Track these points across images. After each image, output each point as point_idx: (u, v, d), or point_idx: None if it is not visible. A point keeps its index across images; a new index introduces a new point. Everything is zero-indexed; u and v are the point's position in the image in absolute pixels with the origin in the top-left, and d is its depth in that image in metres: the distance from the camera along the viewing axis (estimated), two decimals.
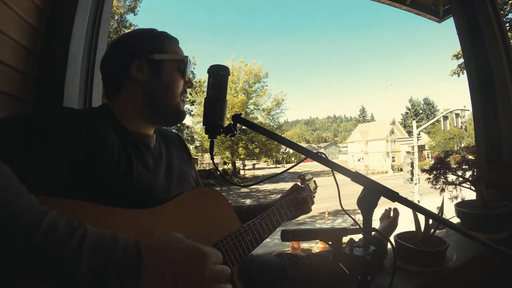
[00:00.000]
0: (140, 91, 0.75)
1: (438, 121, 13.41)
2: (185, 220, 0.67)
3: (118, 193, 0.62)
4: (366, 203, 0.60)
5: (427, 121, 24.45)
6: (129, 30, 0.93)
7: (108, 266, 0.41)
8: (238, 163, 31.99)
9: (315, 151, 0.68)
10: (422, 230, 1.17)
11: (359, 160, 39.98)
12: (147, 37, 0.79)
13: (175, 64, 0.78)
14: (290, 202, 1.01)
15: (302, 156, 0.70)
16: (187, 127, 23.37)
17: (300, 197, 1.04)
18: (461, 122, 11.32)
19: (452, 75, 13.21)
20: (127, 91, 0.76)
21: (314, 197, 1.19)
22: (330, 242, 0.65)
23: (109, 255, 0.41)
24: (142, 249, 0.44)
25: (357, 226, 0.63)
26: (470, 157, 1.59)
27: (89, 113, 0.68)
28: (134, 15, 16.89)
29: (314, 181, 1.24)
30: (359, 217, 0.71)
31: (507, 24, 8.42)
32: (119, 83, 0.76)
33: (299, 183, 1.16)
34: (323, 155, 0.68)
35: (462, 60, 11.62)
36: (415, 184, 11.71)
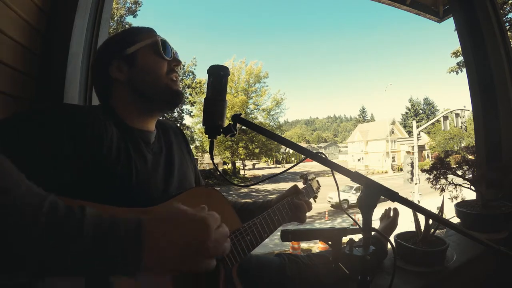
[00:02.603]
0: (126, 88, 0.77)
1: (438, 121, 13.40)
2: None
3: (118, 188, 0.63)
4: (366, 203, 0.60)
5: (427, 121, 24.45)
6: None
7: (110, 235, 0.40)
8: (238, 163, 31.99)
9: (315, 151, 0.68)
10: (422, 230, 1.17)
11: (359, 160, 39.98)
12: (116, 38, 0.82)
13: (149, 49, 0.78)
14: (290, 203, 0.99)
15: (302, 156, 0.70)
16: (187, 127, 23.35)
17: (297, 203, 0.99)
18: (461, 122, 11.32)
19: (450, 72, 13.16)
20: (116, 93, 0.78)
21: (316, 196, 1.18)
22: (330, 242, 0.65)
23: (111, 225, 0.41)
24: (143, 220, 0.44)
25: (357, 226, 0.63)
26: (470, 157, 1.59)
27: (88, 108, 0.69)
28: (134, 17, 16.90)
29: (317, 180, 1.22)
30: (359, 217, 0.71)
31: (507, 24, 8.42)
32: (107, 89, 0.79)
33: (301, 183, 1.14)
34: (323, 155, 0.68)
35: (461, 58, 11.59)
36: (415, 184, 11.71)
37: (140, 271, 0.42)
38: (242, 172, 31.20)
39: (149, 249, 0.42)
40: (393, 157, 33.75)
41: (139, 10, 16.93)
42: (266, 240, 0.88)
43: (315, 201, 1.14)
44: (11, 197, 0.36)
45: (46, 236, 0.37)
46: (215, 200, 0.77)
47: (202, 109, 0.76)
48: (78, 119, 0.60)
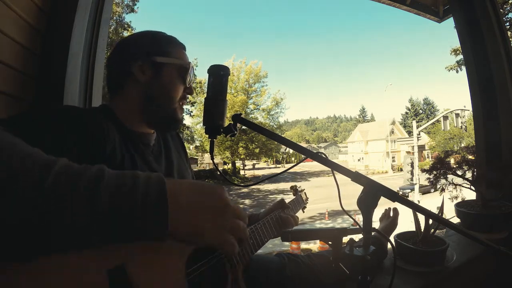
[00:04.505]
0: (140, 91, 0.77)
1: (438, 121, 13.40)
2: None
3: None
4: (366, 203, 0.60)
5: (427, 121, 24.44)
6: (139, 31, 0.96)
7: (132, 189, 0.38)
8: (238, 163, 32.01)
9: (315, 151, 0.68)
10: (422, 230, 1.17)
11: (359, 160, 39.99)
12: (152, 39, 0.81)
13: (177, 69, 0.79)
14: (278, 217, 0.99)
15: (302, 156, 0.70)
16: (187, 127, 23.37)
17: (284, 217, 1.00)
18: (461, 122, 11.33)
19: (449, 70, 13.12)
20: (128, 91, 0.77)
21: (305, 207, 1.24)
22: (330, 242, 0.65)
23: (132, 179, 0.39)
24: (165, 179, 0.42)
25: (357, 226, 0.63)
26: (470, 157, 1.58)
27: (91, 111, 0.69)
28: (135, 13, 16.75)
29: (305, 193, 1.31)
30: (359, 217, 0.71)
31: (507, 24, 8.41)
32: (121, 82, 0.78)
33: (292, 194, 1.22)
34: (323, 155, 0.68)
35: (461, 56, 11.54)
36: (415, 184, 11.71)
37: (166, 231, 0.39)
38: (242, 172, 31.21)
39: (174, 203, 0.40)
40: (393, 157, 33.77)
41: (138, 2, 16.70)
42: None
43: (303, 212, 1.23)
44: (14, 161, 0.33)
45: (52, 197, 0.34)
46: None
47: (202, 109, 0.77)
48: (79, 120, 0.60)
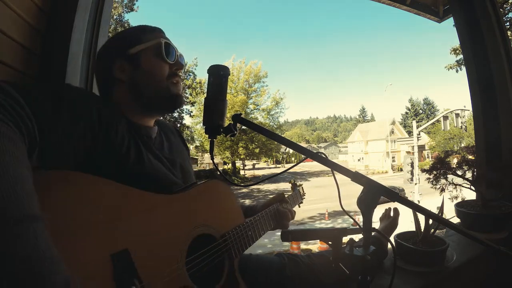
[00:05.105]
0: (128, 88, 0.77)
1: (438, 121, 13.39)
2: (200, 209, 0.74)
3: (128, 179, 0.63)
4: (366, 203, 0.60)
5: (427, 121, 24.44)
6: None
7: None
8: (238, 163, 32.01)
9: (315, 151, 0.68)
10: (422, 230, 1.17)
11: (359, 160, 39.99)
12: (122, 36, 0.82)
13: (152, 50, 0.78)
14: (277, 210, 1.02)
15: (302, 156, 0.70)
16: (187, 127, 23.33)
17: (282, 211, 1.03)
18: (461, 122, 11.32)
19: (448, 70, 13.08)
20: (118, 92, 0.78)
21: (302, 202, 1.28)
22: (330, 242, 0.65)
23: None
24: None
25: (357, 226, 0.63)
26: (470, 157, 1.58)
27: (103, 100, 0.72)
28: (135, 11, 16.69)
29: (303, 188, 1.35)
30: (359, 218, 0.71)
31: (507, 23, 8.40)
32: (109, 87, 0.79)
33: (290, 188, 1.26)
34: (323, 155, 0.68)
35: (461, 55, 11.50)
36: (415, 184, 11.71)
37: None
38: (242, 172, 31.22)
39: None
40: (393, 157, 33.77)
41: (136, 3, 16.65)
42: (266, 240, 0.94)
43: (299, 207, 1.26)
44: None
45: None
46: (225, 194, 0.84)
47: (202, 109, 0.77)
48: (99, 104, 0.63)
